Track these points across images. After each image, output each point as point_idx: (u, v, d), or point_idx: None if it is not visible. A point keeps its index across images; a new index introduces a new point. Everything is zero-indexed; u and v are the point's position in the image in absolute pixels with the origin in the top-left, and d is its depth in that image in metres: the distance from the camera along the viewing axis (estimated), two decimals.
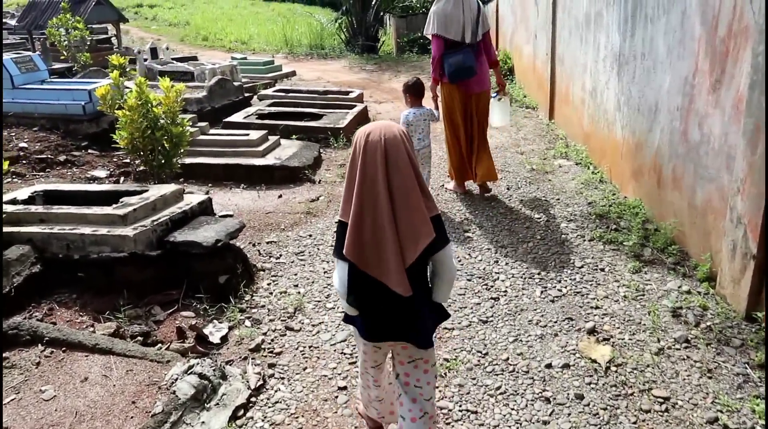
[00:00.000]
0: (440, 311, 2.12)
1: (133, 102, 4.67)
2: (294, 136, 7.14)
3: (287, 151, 6.45)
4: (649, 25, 4.58)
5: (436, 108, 5.16)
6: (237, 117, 7.76)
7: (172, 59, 14.19)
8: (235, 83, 9.10)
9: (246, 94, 9.32)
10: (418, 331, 2.00)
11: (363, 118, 8.28)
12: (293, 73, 13.03)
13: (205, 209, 4.33)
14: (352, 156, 1.88)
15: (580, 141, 6.52)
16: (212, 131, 6.83)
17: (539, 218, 4.93)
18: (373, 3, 18.33)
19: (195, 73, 10.84)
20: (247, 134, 6.51)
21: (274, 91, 9.61)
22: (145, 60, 11.66)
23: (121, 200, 3.95)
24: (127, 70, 7.33)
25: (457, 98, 5.15)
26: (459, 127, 5.27)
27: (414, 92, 4.87)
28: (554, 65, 7.56)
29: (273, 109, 8.29)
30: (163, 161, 4.98)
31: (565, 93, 7.08)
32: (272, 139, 6.59)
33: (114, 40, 21.31)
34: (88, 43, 11.81)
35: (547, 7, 7.76)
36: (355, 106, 8.44)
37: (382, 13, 21.30)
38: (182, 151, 5.12)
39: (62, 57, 11.44)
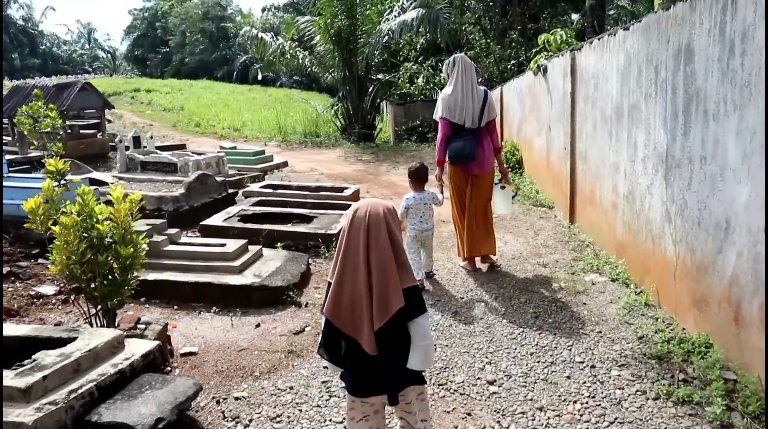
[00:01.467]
0: (414, 375, 2.29)
1: (68, 219, 3.71)
2: (279, 244, 6.18)
3: (270, 264, 5.47)
4: (711, 122, 3.71)
5: (441, 191, 5.32)
6: (216, 219, 6.83)
7: (157, 148, 13.49)
8: (218, 178, 8.24)
9: (230, 191, 8.44)
10: (387, 388, 2.22)
11: None
12: (285, 164, 12.26)
13: (151, 362, 3.30)
14: (342, 227, 2.19)
15: (612, 251, 5.58)
16: (184, 240, 5.87)
17: (581, 362, 3.89)
18: (369, 90, 17.94)
19: (178, 164, 10.07)
20: (224, 245, 5.54)
21: (262, 187, 8.74)
22: (127, 149, 10.90)
23: (33, 357, 2.93)
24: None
25: (461, 178, 5.42)
26: (463, 206, 5.49)
27: (416, 177, 5.08)
28: (575, 162, 6.73)
29: (258, 209, 7.38)
30: (109, 290, 3.98)
31: (590, 194, 6.20)
32: (253, 249, 5.62)
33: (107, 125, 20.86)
34: (62, 132, 11.06)
35: (563, 97, 7.02)
36: (350, 205, 7.52)
37: (379, 100, 20.97)
38: (135, 274, 4.12)
39: (32, 146, 10.67)
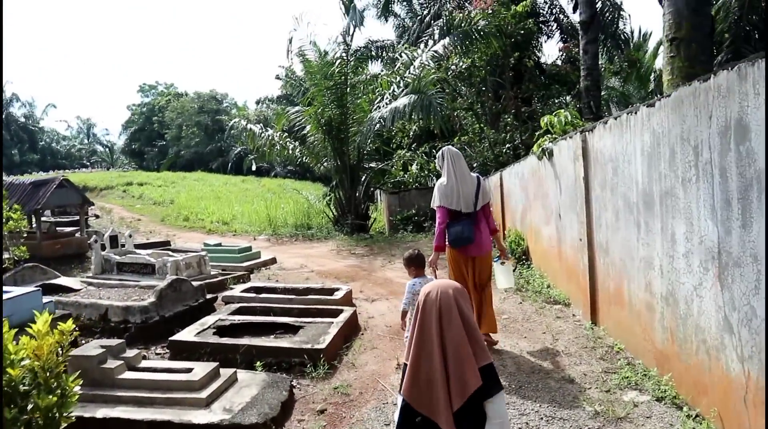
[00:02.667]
0: None
1: None
2: (259, 364, 5.29)
3: (245, 393, 4.56)
4: None
5: (434, 277, 5.41)
6: (188, 333, 5.95)
7: (139, 246, 12.74)
8: (195, 283, 7.40)
9: (209, 296, 7.58)
10: None
11: (352, 328, 6.50)
12: (273, 261, 11.45)
13: None
14: (415, 309, 2.28)
15: (650, 361, 4.70)
16: (145, 363, 4.96)
17: None
18: (362, 178, 17.41)
19: (156, 265, 9.28)
20: (190, 370, 4.65)
21: (244, 290, 7.89)
22: (103, 249, 10.13)
23: None
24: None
25: (461, 260, 5.69)
26: (474, 285, 5.67)
27: (417, 263, 5.14)
28: (593, 254, 5.95)
29: (237, 318, 6.51)
30: None
31: (616, 292, 5.38)
32: (226, 374, 4.72)
33: (92, 221, 20.18)
34: (38, 232, 10.32)
35: (575, 183, 6.33)
36: (341, 311, 6.68)
37: (372, 189, 20.44)
38: (63, 426, 3.22)
39: None
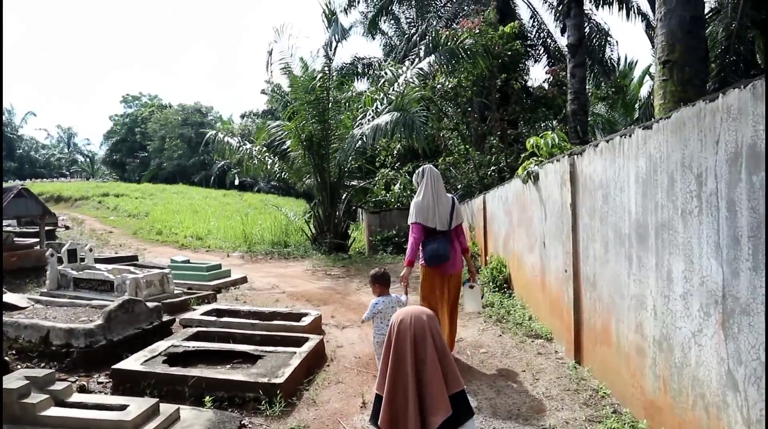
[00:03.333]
0: None
1: None
2: (208, 398, 4.76)
3: None
4: None
5: (405, 292, 5.55)
6: (134, 361, 5.40)
7: (104, 260, 12.17)
8: (150, 304, 6.85)
9: (165, 319, 7.03)
10: None
11: (317, 359, 5.99)
12: (244, 280, 10.90)
13: None
14: (387, 337, 2.31)
15: (639, 411, 4.24)
16: (75, 398, 4.40)
17: None
18: (343, 196, 16.95)
19: (115, 282, 8.74)
20: (124, 407, 4.12)
21: (204, 313, 7.35)
22: (60, 263, 9.56)
23: None
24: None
25: (435, 278, 5.77)
26: (434, 303, 5.76)
27: (383, 282, 5.29)
28: (579, 288, 5.51)
29: (192, 344, 5.98)
30: None
31: (603, 330, 4.94)
32: (166, 411, 4.19)
33: (61, 233, 19.47)
34: None
35: (561, 210, 5.91)
36: (307, 339, 6.17)
37: (354, 208, 19.97)
38: None
39: None
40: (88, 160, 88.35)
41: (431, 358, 2.19)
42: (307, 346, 5.88)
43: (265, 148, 16.74)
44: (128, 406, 4.13)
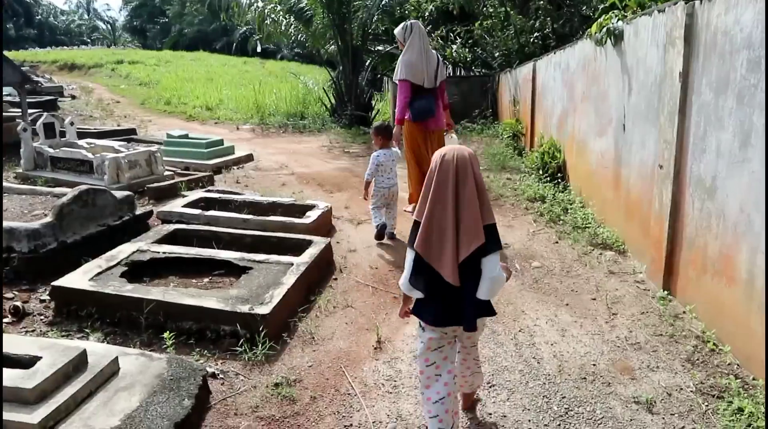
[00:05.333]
0: (485, 306, 2.38)
1: None
2: (167, 334, 3.48)
3: (119, 404, 2.76)
4: None
5: (399, 147, 5.70)
6: (81, 276, 4.11)
7: (98, 134, 10.83)
8: (118, 194, 5.47)
9: (140, 211, 5.70)
10: (464, 317, 2.35)
11: (321, 271, 4.65)
12: (249, 158, 9.47)
13: None
14: (430, 170, 2.33)
15: None
16: None
17: None
18: (366, 63, 15.07)
19: (94, 163, 7.40)
20: (33, 362, 2.84)
21: (189, 204, 5.95)
22: (36, 139, 8.23)
23: None
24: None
25: (418, 134, 5.86)
26: (420, 158, 5.89)
27: (386, 134, 5.37)
28: (682, 192, 3.97)
29: (164, 249, 4.67)
30: None
31: (721, 258, 3.45)
32: (97, 364, 2.91)
33: (66, 103, 18.07)
34: None
35: (662, 81, 4.25)
36: (310, 243, 4.80)
37: (379, 76, 18.11)
38: None
39: None
40: (109, 26, 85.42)
41: (470, 190, 2.28)
42: (309, 255, 4.53)
43: (279, 8, 14.70)
44: (40, 359, 2.84)
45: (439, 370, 2.50)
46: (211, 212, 5.64)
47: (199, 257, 4.56)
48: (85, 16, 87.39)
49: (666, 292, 4.11)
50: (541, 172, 7.26)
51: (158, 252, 4.61)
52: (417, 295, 2.41)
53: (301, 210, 5.82)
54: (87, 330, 3.71)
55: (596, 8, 15.09)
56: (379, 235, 5.40)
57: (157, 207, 6.72)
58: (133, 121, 14.62)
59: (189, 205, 5.95)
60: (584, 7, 15.33)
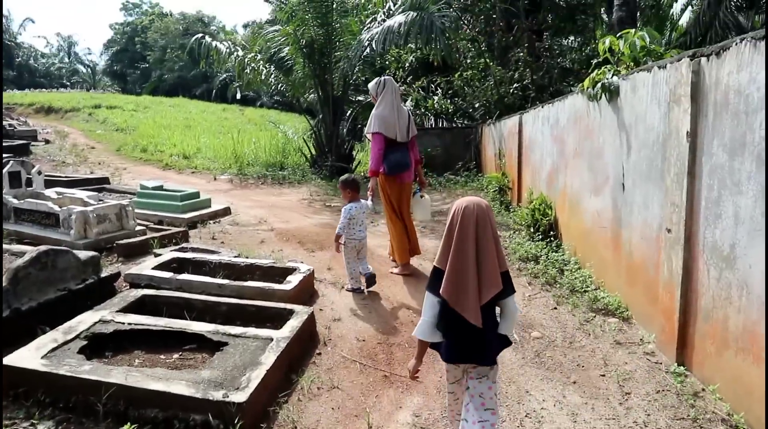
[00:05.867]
0: (504, 339, 2.65)
1: None
2: (129, 426, 3.05)
3: None
4: None
5: (372, 199, 5.77)
6: (34, 352, 3.66)
7: (68, 182, 10.41)
8: (81, 255, 5.05)
9: (106, 274, 5.27)
10: (485, 354, 2.60)
11: (302, 346, 4.22)
12: (227, 212, 9.07)
13: None
14: (451, 221, 2.52)
15: None
16: None
17: None
18: (348, 113, 14.92)
19: (60, 216, 6.99)
20: None
21: (159, 267, 5.51)
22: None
23: None
24: None
25: (395, 187, 5.96)
26: (399, 210, 6.01)
27: (355, 187, 5.42)
28: (694, 259, 3.68)
29: (130, 319, 4.24)
30: None
31: (746, 334, 3.14)
32: None
33: (39, 148, 17.61)
34: None
35: (664, 140, 4.01)
36: (291, 313, 4.41)
37: (359, 126, 17.97)
38: None
39: None
40: (89, 70, 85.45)
41: (489, 240, 2.48)
42: (290, 328, 4.12)
43: (259, 57, 14.55)
44: None
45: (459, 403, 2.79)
46: (184, 276, 5.22)
47: (169, 329, 4.13)
48: (66, 60, 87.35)
49: (681, 367, 3.78)
50: (532, 229, 6.98)
51: (123, 323, 4.18)
52: (437, 339, 2.65)
53: (282, 273, 5.43)
54: (35, 419, 3.25)
55: (575, 60, 15.34)
56: (369, 283, 5.52)
57: (128, 264, 6.34)
58: (108, 169, 14.20)
59: (160, 266, 5.52)
60: (563, 59, 15.48)
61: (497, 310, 2.63)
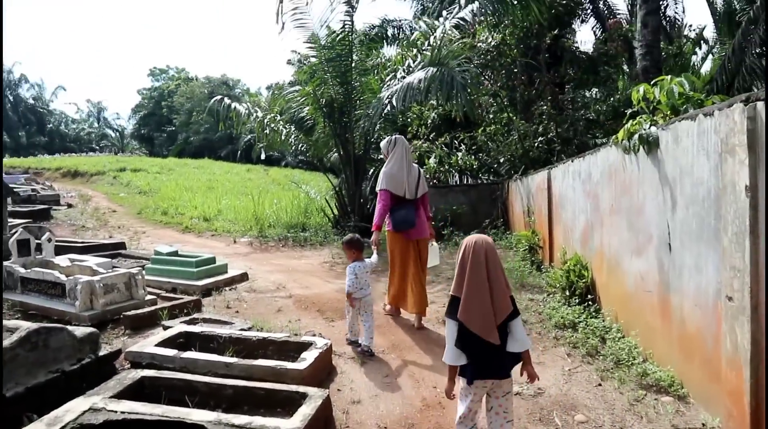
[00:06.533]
0: (516, 356, 3.10)
1: None
2: None
3: None
4: None
5: (377, 253, 5.76)
6: None
7: (84, 247, 10.19)
8: (78, 332, 4.66)
9: (102, 353, 4.86)
10: (504, 367, 3.05)
11: None
12: (243, 278, 8.69)
13: None
14: (463, 254, 3.01)
15: None
16: None
17: None
18: (370, 172, 14.66)
19: (66, 286, 6.70)
20: None
21: (162, 343, 5.08)
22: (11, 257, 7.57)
23: None
24: None
25: (401, 242, 6.14)
26: (404, 262, 6.19)
27: (359, 247, 5.52)
28: (761, 331, 3.18)
29: (124, 406, 3.79)
30: None
31: None
32: None
33: (61, 212, 17.61)
34: None
35: (717, 196, 3.56)
36: (304, 397, 3.94)
37: None
38: None
39: None
40: (117, 134, 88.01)
41: (497, 268, 2.98)
42: (301, 417, 3.64)
43: (279, 117, 14.46)
44: None
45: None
46: (189, 354, 4.79)
47: (165, 419, 3.69)
48: (95, 124, 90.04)
49: None
50: (567, 292, 6.46)
51: (115, 411, 3.74)
52: (462, 361, 3.01)
53: (297, 348, 4.98)
54: None
55: (600, 111, 15.01)
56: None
57: (134, 338, 5.99)
58: (127, 233, 14.02)
59: (165, 342, 5.11)
60: (585, 111, 15.16)
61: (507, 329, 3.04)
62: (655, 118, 4.83)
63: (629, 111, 5.37)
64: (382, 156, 6.88)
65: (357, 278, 5.38)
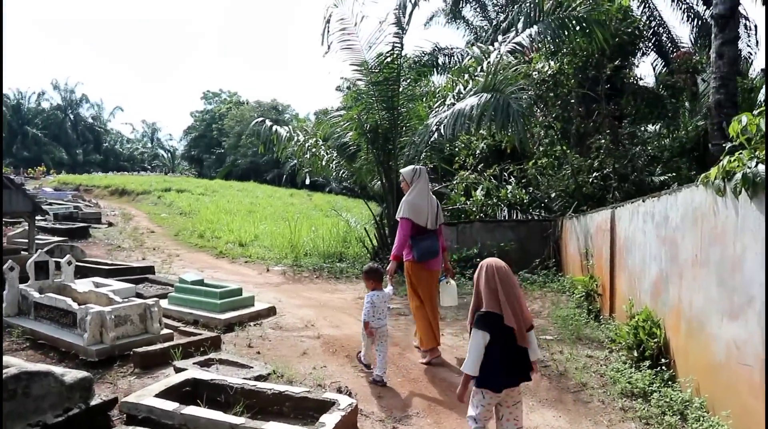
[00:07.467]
0: (528, 365, 3.47)
1: None
2: None
3: None
4: None
5: (391, 283, 5.91)
6: None
7: (112, 270, 9.75)
8: (66, 378, 4.04)
9: (97, 401, 4.21)
10: (526, 370, 3.43)
11: None
12: (270, 312, 8.01)
13: None
14: (486, 274, 3.40)
15: None
16: None
17: None
18: None
19: (78, 315, 6.15)
20: None
21: (166, 391, 4.41)
22: (27, 280, 7.12)
23: None
24: None
25: (424, 274, 6.03)
26: (426, 298, 6.01)
27: (378, 277, 5.55)
28: None
29: None
30: None
31: None
32: None
33: (101, 231, 17.42)
34: None
35: None
36: None
37: None
38: None
39: None
40: (169, 155, 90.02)
41: (516, 286, 3.41)
42: None
43: (321, 142, 13.95)
44: None
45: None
46: (191, 410, 4.09)
47: None
48: (149, 145, 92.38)
49: None
50: (635, 352, 5.57)
51: None
52: (477, 372, 3.36)
53: (317, 407, 4.26)
54: None
55: (664, 147, 14.03)
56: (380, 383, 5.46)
57: (142, 378, 5.39)
58: (161, 255, 13.62)
59: (168, 391, 4.45)
60: (645, 147, 14.23)
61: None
62: (758, 154, 4.00)
63: (727, 145, 4.53)
64: (401, 182, 6.43)
65: (374, 307, 5.36)
